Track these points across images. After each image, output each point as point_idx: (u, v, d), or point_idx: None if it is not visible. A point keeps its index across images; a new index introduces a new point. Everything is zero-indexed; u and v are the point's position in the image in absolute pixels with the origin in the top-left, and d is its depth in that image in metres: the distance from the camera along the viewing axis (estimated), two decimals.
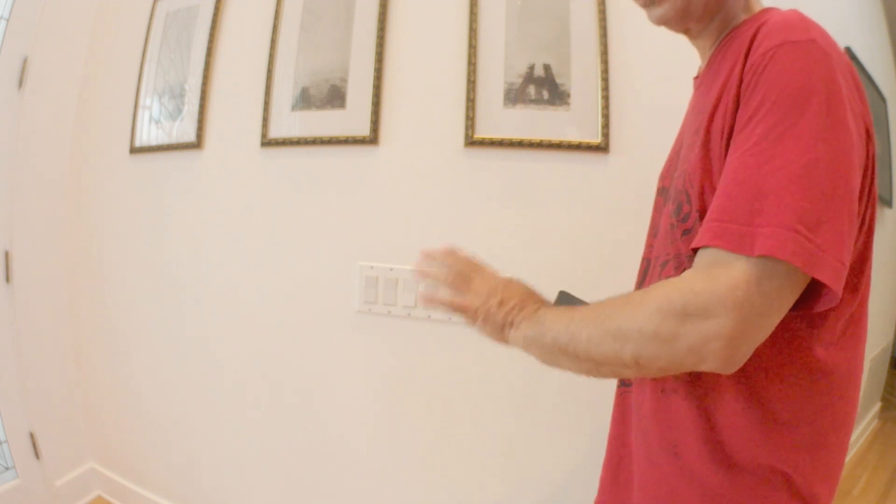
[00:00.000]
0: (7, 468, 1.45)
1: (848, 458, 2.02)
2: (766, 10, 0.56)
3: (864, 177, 0.47)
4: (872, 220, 0.51)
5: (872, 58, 1.97)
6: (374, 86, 1.21)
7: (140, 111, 1.51)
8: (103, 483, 1.64)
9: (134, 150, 1.51)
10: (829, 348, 0.50)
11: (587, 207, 1.10)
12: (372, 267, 1.21)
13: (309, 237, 1.29)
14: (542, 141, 1.10)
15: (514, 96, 1.13)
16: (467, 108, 1.14)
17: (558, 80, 1.11)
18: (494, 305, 0.58)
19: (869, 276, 0.54)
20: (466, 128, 1.14)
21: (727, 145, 0.47)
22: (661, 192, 0.65)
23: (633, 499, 0.61)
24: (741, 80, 0.47)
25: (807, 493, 0.50)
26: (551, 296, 0.65)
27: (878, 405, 2.57)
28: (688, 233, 0.52)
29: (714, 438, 0.51)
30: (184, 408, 1.47)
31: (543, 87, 1.12)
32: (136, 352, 1.54)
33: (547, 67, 1.12)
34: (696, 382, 0.52)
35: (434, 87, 1.19)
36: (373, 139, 1.21)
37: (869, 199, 0.48)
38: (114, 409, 1.60)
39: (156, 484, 1.55)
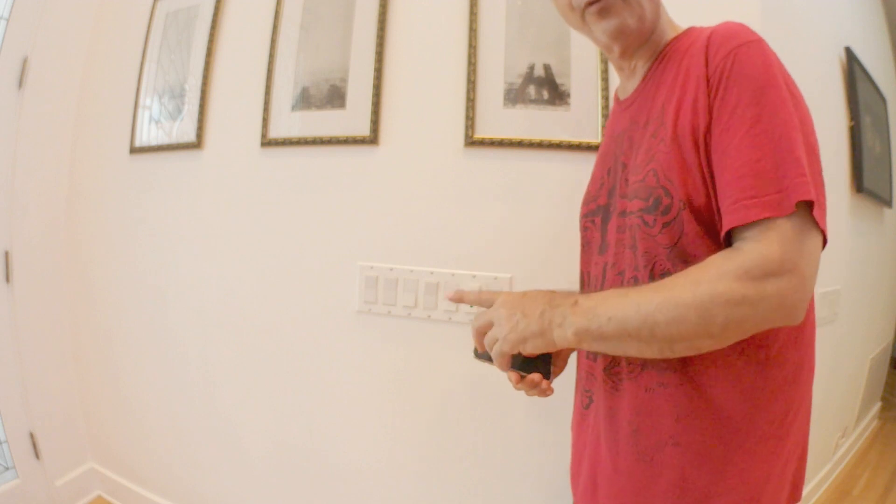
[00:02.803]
0: (7, 468, 1.45)
1: (848, 458, 2.03)
2: (695, 27, 0.63)
3: None
4: None
5: (872, 58, 1.97)
6: (374, 86, 1.21)
7: (140, 111, 1.51)
8: (103, 483, 1.64)
9: (134, 150, 1.51)
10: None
11: None
12: (372, 267, 1.21)
13: (309, 237, 1.29)
14: (542, 141, 1.10)
15: (514, 96, 1.13)
16: (467, 108, 1.14)
17: (558, 80, 1.11)
18: (521, 319, 0.57)
19: None
20: (466, 128, 1.14)
21: (705, 141, 0.53)
22: (598, 211, 0.69)
23: None
24: (708, 83, 0.54)
25: (796, 444, 0.58)
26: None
27: (878, 405, 2.57)
28: (669, 224, 0.55)
29: (713, 416, 0.55)
30: (184, 408, 1.47)
31: (543, 87, 1.12)
32: (135, 352, 1.54)
33: (547, 67, 1.12)
34: (686, 367, 0.56)
35: (434, 87, 1.19)
36: (373, 139, 1.21)
37: None
38: (114, 409, 1.60)
39: (156, 484, 1.55)
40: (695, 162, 0.54)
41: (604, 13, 0.60)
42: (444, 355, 1.19)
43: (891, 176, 2.08)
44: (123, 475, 1.60)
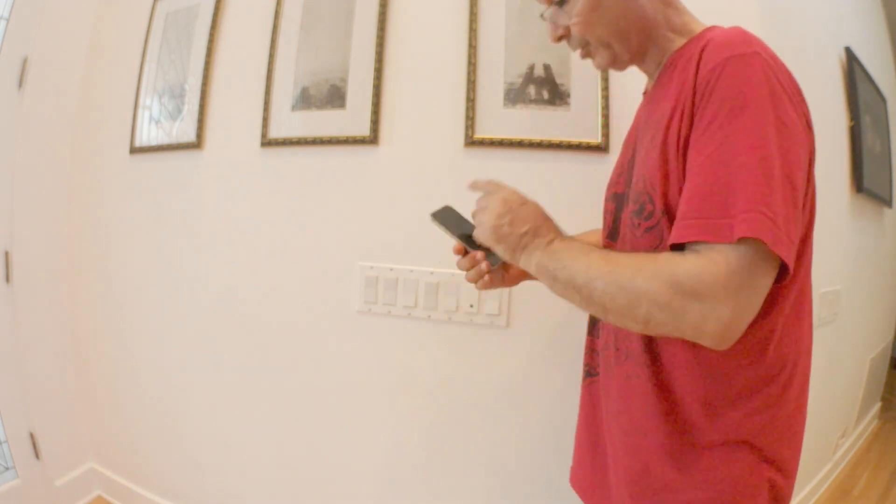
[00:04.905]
0: (7, 468, 1.45)
1: (848, 458, 2.03)
2: (709, 30, 0.61)
3: (810, 164, 0.54)
4: (813, 200, 0.57)
5: (872, 58, 1.97)
6: (374, 86, 1.21)
7: (140, 111, 1.51)
8: (103, 483, 1.64)
9: (134, 150, 1.51)
10: (784, 320, 0.56)
11: (587, 207, 1.10)
12: (372, 267, 1.21)
13: (309, 237, 1.29)
14: (542, 141, 1.10)
15: (514, 96, 1.13)
16: (467, 108, 1.14)
17: (558, 80, 1.11)
18: (507, 225, 0.62)
19: (810, 255, 0.59)
20: (466, 128, 1.14)
21: (683, 151, 0.53)
22: (614, 198, 0.71)
23: (609, 477, 0.67)
24: (694, 93, 0.53)
25: (771, 455, 0.56)
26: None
27: (878, 405, 2.57)
28: (651, 230, 0.58)
29: (677, 415, 0.58)
30: (184, 408, 1.47)
31: (543, 87, 1.12)
32: (136, 352, 1.54)
33: (547, 67, 1.12)
34: (656, 366, 0.59)
35: (434, 87, 1.19)
36: (373, 139, 1.21)
37: (810, 183, 0.55)
38: (114, 408, 1.60)
39: (156, 484, 1.55)
40: (676, 171, 0.54)
41: (583, 56, 0.68)
42: (445, 355, 1.19)
43: (891, 176, 2.08)
44: (123, 475, 1.60)
